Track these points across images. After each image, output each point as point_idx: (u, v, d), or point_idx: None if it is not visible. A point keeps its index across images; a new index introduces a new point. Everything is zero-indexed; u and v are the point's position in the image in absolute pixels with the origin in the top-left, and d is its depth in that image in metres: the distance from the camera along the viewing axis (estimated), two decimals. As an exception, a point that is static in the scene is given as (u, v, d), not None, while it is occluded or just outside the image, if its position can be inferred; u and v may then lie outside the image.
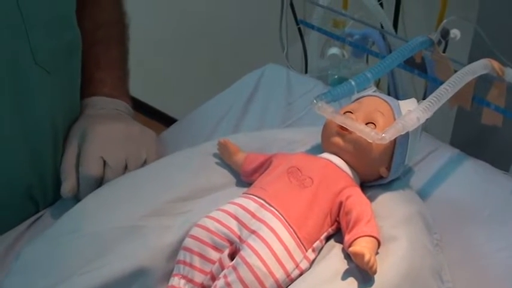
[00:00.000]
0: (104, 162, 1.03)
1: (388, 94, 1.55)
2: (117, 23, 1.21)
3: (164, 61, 2.14)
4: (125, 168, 1.05)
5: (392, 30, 1.54)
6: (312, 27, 1.38)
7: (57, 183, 1.05)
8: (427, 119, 0.90)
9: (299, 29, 1.65)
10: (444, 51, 1.22)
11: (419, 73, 1.21)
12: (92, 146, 1.04)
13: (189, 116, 1.30)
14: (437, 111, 0.92)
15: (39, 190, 1.07)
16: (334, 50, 1.51)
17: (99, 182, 1.03)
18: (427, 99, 0.91)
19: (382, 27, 1.49)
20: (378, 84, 1.66)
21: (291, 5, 1.56)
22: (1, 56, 0.94)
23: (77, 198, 1.02)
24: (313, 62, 1.53)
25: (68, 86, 1.09)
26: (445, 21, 1.14)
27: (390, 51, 1.46)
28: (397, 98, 1.52)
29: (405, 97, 1.39)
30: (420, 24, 1.82)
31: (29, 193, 1.06)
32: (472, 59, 1.08)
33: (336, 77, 1.51)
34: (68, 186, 1.02)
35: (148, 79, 2.78)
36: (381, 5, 1.61)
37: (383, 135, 0.84)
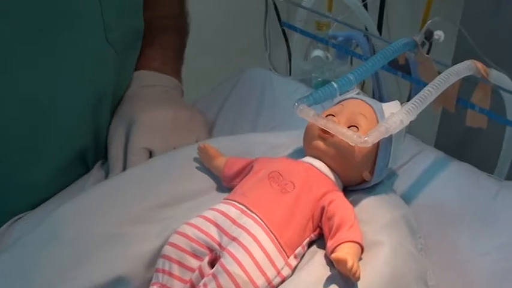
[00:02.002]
0: (150, 153, 1.06)
1: (373, 96, 1.55)
2: (176, 17, 1.26)
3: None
4: None
5: (377, 32, 1.54)
6: (295, 29, 1.38)
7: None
8: (410, 122, 0.89)
9: (283, 31, 1.64)
10: (428, 53, 1.22)
11: (403, 75, 1.20)
12: (138, 137, 1.07)
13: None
14: (423, 113, 0.91)
15: (92, 154, 1.11)
16: (317, 52, 1.51)
17: None
18: (410, 101, 0.89)
19: (366, 29, 1.48)
20: (362, 87, 1.65)
21: (275, 7, 1.56)
22: (78, 30, 0.99)
23: None
24: (297, 65, 1.52)
25: (130, 67, 1.16)
26: (428, 22, 1.13)
27: (374, 53, 1.45)
28: (382, 100, 1.51)
29: (390, 99, 1.39)
30: (405, 25, 1.82)
31: (84, 157, 1.11)
32: (456, 61, 1.08)
33: (320, 79, 1.50)
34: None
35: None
36: (365, 6, 1.61)
37: (365, 138, 0.83)
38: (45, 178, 1.05)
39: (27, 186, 1.03)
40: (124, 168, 1.05)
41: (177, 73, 1.23)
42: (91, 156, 1.12)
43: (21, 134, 0.98)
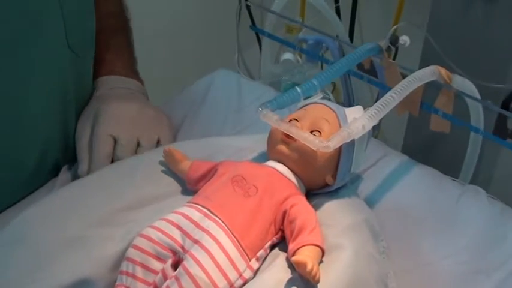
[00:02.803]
0: (115, 140, 1.07)
1: (343, 99, 1.57)
2: (120, 15, 1.26)
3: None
4: (137, 147, 1.09)
5: (347, 37, 1.55)
6: (263, 33, 1.39)
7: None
8: (373, 126, 0.91)
9: (257, 34, 1.65)
10: (395, 57, 1.24)
11: (369, 79, 1.22)
12: (102, 125, 1.08)
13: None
14: (391, 117, 0.93)
15: (64, 162, 1.13)
16: (287, 56, 1.52)
17: (111, 161, 1.07)
18: (373, 106, 0.91)
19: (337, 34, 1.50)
20: (333, 89, 1.67)
21: (248, 10, 1.57)
22: (41, 38, 0.98)
23: None
24: (267, 68, 1.53)
25: (89, 69, 1.16)
26: (394, 27, 1.15)
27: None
28: (351, 104, 1.53)
29: (361, 102, 1.40)
30: (377, 30, 1.83)
31: (57, 165, 1.12)
32: (423, 65, 1.09)
33: (290, 82, 1.51)
34: (83, 167, 1.06)
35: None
36: (338, 11, 1.63)
37: (328, 143, 0.84)
38: (14, 183, 1.05)
39: None
40: (90, 158, 1.07)
41: (137, 74, 1.24)
42: (60, 163, 1.12)
43: None
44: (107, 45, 1.20)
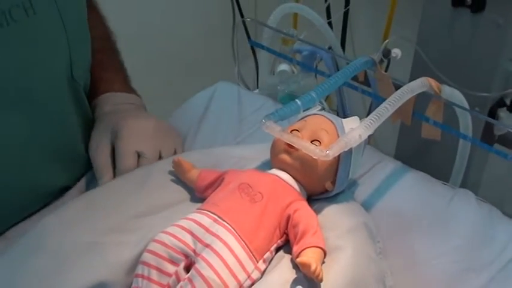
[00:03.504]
0: (138, 155, 1.10)
1: (337, 110, 1.61)
2: (109, 37, 1.28)
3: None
4: (159, 158, 1.12)
5: (340, 48, 1.59)
6: (262, 47, 1.42)
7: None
8: (369, 136, 0.95)
9: (252, 47, 1.69)
10: (387, 69, 1.27)
11: (363, 91, 1.25)
12: (126, 141, 1.10)
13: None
14: (383, 126, 0.97)
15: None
16: (283, 67, 1.55)
17: None
18: (368, 117, 0.95)
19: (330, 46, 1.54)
20: (326, 98, 1.71)
21: (243, 23, 1.60)
22: (45, 72, 1.00)
23: None
24: (264, 79, 1.56)
25: (86, 92, 1.16)
26: (386, 41, 1.18)
27: (337, 67, 1.51)
28: (345, 114, 1.58)
29: (355, 112, 1.44)
30: (367, 41, 1.88)
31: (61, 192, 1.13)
32: (413, 76, 1.12)
33: (286, 91, 1.55)
34: (106, 182, 1.07)
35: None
36: (330, 23, 1.66)
37: (327, 152, 0.88)
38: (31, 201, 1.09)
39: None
40: (114, 175, 1.08)
41: (134, 91, 1.27)
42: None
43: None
44: (103, 65, 1.22)
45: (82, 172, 1.15)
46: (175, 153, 1.16)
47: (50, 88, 1.02)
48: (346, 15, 1.75)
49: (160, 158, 1.13)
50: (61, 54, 1.03)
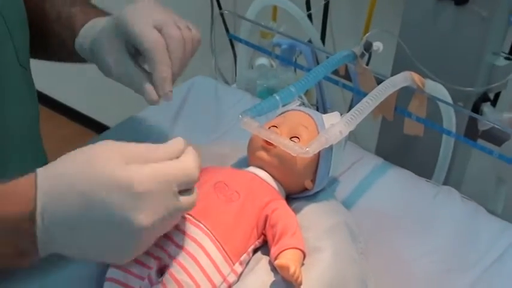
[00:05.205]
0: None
1: (317, 105, 1.59)
2: None
3: (97, 71, 2.14)
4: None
5: (319, 41, 1.57)
6: (240, 40, 1.40)
7: None
8: (350, 131, 0.93)
9: (230, 40, 1.66)
10: (368, 63, 1.26)
11: (344, 85, 1.24)
12: (139, 19, 0.94)
13: (120, 124, 1.28)
14: (364, 121, 0.95)
15: None
16: (262, 61, 1.54)
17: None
18: (349, 112, 0.93)
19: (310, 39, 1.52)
20: (306, 92, 1.69)
21: (222, 15, 1.58)
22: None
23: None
24: (242, 73, 1.54)
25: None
26: (367, 34, 1.17)
27: (317, 60, 1.49)
28: (325, 109, 1.56)
29: (335, 107, 1.42)
30: (348, 34, 1.86)
31: None
32: (395, 70, 1.11)
33: (265, 85, 1.53)
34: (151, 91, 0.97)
35: (82, 88, 2.76)
36: (310, 16, 1.64)
37: (307, 149, 0.86)
38: None
39: None
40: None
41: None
42: None
43: None
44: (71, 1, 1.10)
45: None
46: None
47: (4, 78, 0.98)
48: (326, 7, 1.73)
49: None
50: (5, 43, 0.98)
